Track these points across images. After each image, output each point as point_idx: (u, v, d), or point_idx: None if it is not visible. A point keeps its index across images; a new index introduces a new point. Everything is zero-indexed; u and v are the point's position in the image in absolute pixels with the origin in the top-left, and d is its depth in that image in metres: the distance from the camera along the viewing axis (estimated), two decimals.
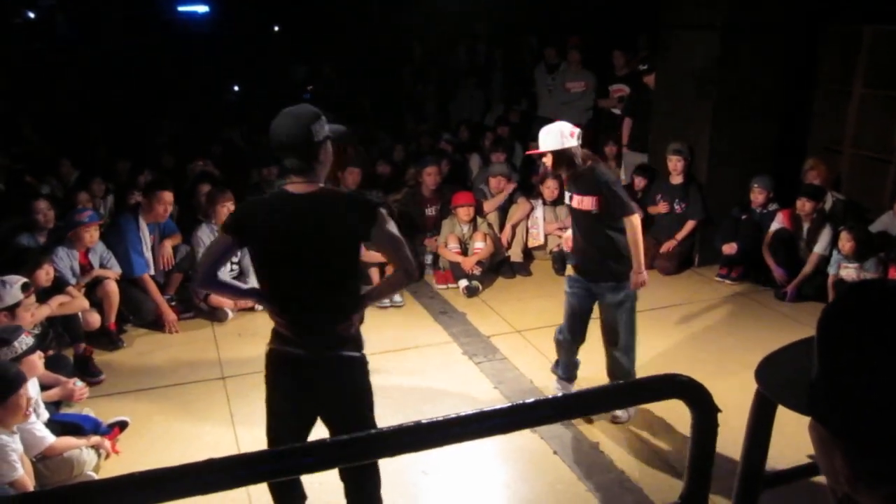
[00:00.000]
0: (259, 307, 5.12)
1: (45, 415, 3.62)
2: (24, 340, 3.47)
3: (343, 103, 10.41)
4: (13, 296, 4.03)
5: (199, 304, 5.54)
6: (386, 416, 4.08)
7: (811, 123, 6.86)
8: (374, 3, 11.77)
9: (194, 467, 1.23)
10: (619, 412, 4.05)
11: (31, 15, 13.98)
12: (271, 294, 2.64)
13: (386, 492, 3.41)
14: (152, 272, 5.45)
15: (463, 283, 6.10)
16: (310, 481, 3.03)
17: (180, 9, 14.96)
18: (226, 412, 4.19)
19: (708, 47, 6.22)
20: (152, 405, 4.34)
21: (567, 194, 4.02)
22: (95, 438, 3.66)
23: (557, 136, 3.83)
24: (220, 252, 2.64)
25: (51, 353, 4.26)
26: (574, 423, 4.02)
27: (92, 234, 5.04)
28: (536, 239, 6.72)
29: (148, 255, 5.43)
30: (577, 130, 3.86)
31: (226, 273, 5.11)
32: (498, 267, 6.53)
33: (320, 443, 1.50)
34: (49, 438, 3.39)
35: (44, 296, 4.46)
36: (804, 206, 5.81)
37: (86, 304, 4.79)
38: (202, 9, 15.01)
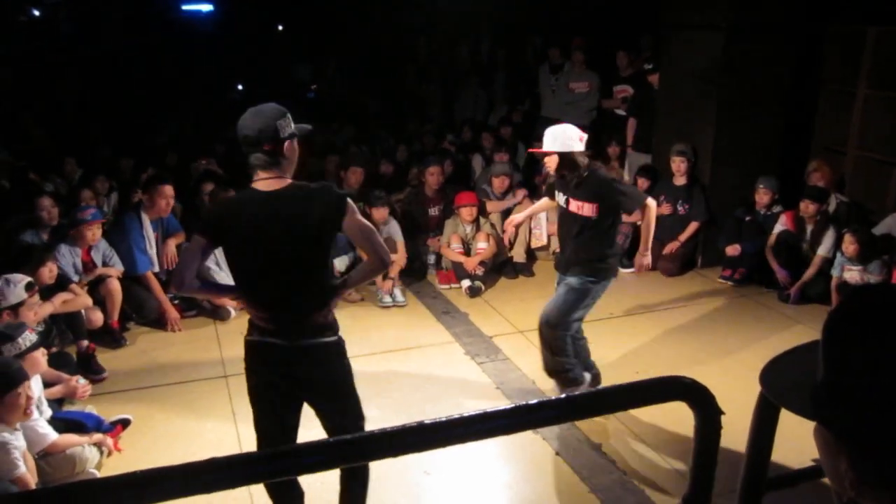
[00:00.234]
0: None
1: (48, 412, 3.62)
2: (28, 337, 3.48)
3: (346, 102, 10.42)
4: (17, 295, 4.04)
5: (201, 303, 5.55)
6: (388, 415, 4.11)
7: (815, 125, 6.84)
8: (377, 3, 11.76)
9: (196, 466, 1.23)
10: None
11: (36, 13, 13.99)
12: (249, 290, 2.69)
13: (388, 492, 3.42)
14: (156, 270, 5.46)
15: (466, 283, 6.09)
16: (311, 481, 3.03)
17: (184, 7, 14.96)
18: (228, 410, 4.19)
19: (710, 48, 6.21)
20: (155, 403, 4.35)
21: (562, 196, 4.02)
22: (98, 436, 3.67)
23: (565, 138, 3.83)
24: (196, 254, 2.68)
25: (54, 350, 4.26)
26: (576, 423, 4.01)
27: (94, 232, 5.05)
28: (539, 239, 6.72)
29: (151, 252, 5.44)
30: (584, 136, 3.88)
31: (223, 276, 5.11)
32: (501, 267, 6.52)
33: (323, 443, 1.50)
34: (51, 436, 3.40)
35: (47, 293, 4.47)
36: (808, 207, 5.80)
37: (89, 301, 4.81)
38: (206, 7, 15.00)
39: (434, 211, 6.69)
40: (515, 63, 10.11)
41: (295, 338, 2.63)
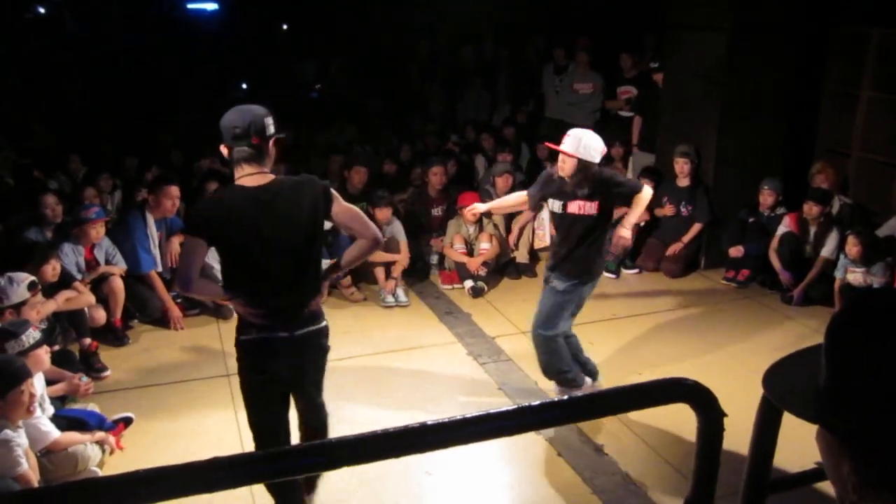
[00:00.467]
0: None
1: (51, 410, 3.63)
2: (32, 334, 3.49)
3: (349, 102, 10.41)
4: (20, 294, 4.05)
5: (204, 302, 5.55)
6: (390, 415, 4.11)
7: (818, 126, 6.83)
8: (379, 3, 11.77)
9: (198, 466, 1.23)
10: None
11: (42, 10, 14.00)
12: (243, 286, 2.71)
13: (389, 492, 3.42)
14: (159, 269, 5.47)
15: (468, 283, 6.09)
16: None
17: (189, 6, 14.97)
18: (230, 409, 4.19)
19: (713, 48, 6.20)
20: (157, 401, 4.35)
21: (557, 203, 4.04)
22: (100, 434, 3.67)
23: (590, 149, 3.89)
24: (195, 254, 2.69)
25: (57, 347, 4.27)
26: (578, 424, 4.01)
27: (97, 231, 5.06)
28: (542, 240, 6.70)
29: (155, 251, 5.45)
30: (605, 151, 4.00)
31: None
32: (503, 268, 6.52)
33: (324, 443, 1.50)
34: (54, 433, 3.40)
35: (50, 291, 4.48)
36: (811, 209, 5.79)
37: (92, 299, 4.81)
38: (211, 6, 15.01)
39: (437, 211, 6.69)
40: (518, 63, 10.11)
41: (296, 328, 2.69)
